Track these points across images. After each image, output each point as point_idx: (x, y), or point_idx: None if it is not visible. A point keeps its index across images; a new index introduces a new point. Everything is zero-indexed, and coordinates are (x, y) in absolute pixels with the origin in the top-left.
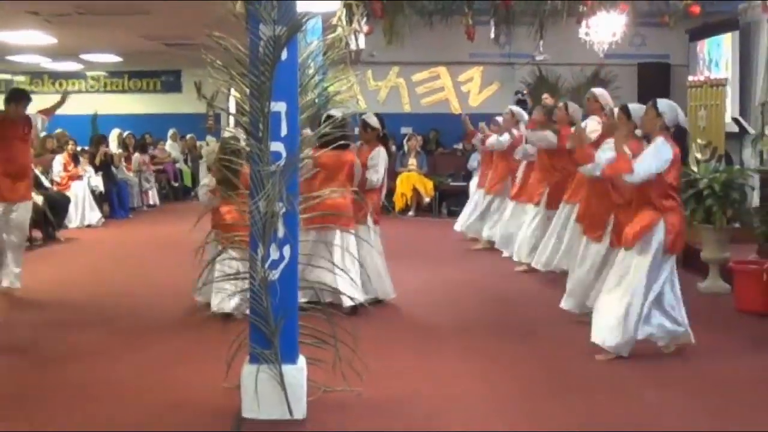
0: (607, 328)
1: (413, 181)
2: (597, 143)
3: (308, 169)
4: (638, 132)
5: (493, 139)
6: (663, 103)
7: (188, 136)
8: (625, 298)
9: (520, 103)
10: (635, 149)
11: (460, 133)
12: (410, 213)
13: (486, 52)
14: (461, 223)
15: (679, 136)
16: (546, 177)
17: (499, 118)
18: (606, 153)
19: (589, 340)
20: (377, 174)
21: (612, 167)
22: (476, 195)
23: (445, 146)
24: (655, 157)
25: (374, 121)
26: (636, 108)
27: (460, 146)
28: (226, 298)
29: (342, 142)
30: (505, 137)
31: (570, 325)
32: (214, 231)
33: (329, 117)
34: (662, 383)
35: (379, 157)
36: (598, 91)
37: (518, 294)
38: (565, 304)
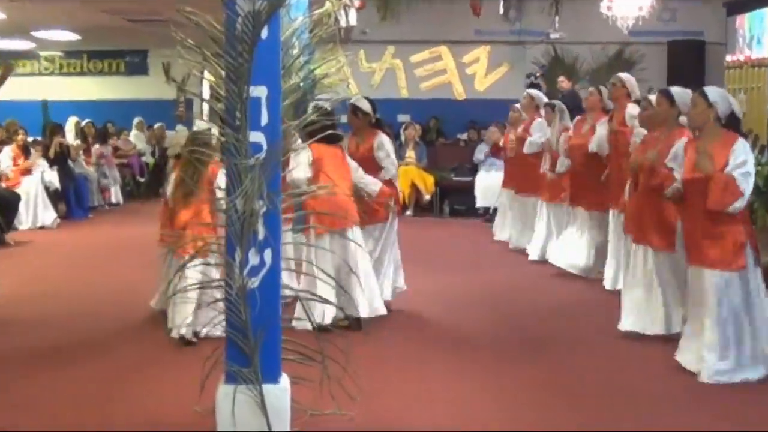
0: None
1: (411, 175)
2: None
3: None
4: (683, 120)
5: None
6: (713, 92)
7: (156, 126)
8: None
9: (533, 87)
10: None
11: (465, 121)
12: (408, 212)
13: (494, 30)
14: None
15: (734, 127)
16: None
17: (518, 105)
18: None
19: (629, 362)
20: (394, 164)
21: (716, 199)
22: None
23: (447, 136)
24: (751, 167)
25: (365, 105)
26: (680, 93)
27: (464, 136)
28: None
29: (332, 132)
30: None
31: (602, 343)
32: (178, 232)
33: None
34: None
35: (385, 143)
36: (625, 76)
37: (539, 306)
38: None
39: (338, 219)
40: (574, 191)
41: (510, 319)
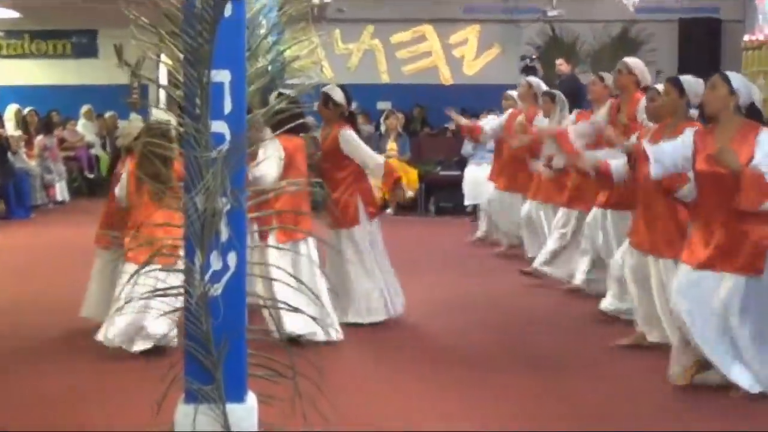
0: None
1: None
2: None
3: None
4: (693, 112)
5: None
6: (736, 78)
7: (107, 114)
8: None
9: (528, 70)
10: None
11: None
12: (389, 210)
13: (484, 5)
14: None
15: (755, 119)
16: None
17: (513, 92)
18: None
19: (632, 377)
20: (371, 155)
21: (750, 198)
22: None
23: (432, 126)
24: None
25: (338, 95)
26: (691, 81)
27: (451, 126)
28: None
29: (300, 121)
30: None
31: (604, 355)
32: (132, 233)
33: (281, 95)
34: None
35: (350, 138)
36: (632, 61)
37: (535, 315)
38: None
39: (287, 230)
40: (574, 193)
41: (498, 329)
